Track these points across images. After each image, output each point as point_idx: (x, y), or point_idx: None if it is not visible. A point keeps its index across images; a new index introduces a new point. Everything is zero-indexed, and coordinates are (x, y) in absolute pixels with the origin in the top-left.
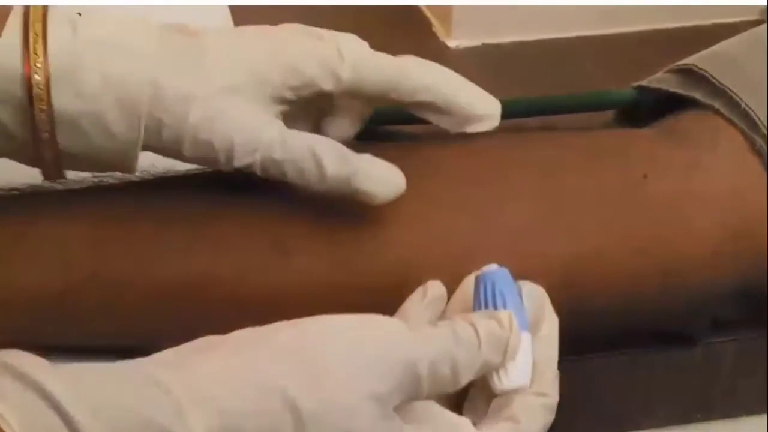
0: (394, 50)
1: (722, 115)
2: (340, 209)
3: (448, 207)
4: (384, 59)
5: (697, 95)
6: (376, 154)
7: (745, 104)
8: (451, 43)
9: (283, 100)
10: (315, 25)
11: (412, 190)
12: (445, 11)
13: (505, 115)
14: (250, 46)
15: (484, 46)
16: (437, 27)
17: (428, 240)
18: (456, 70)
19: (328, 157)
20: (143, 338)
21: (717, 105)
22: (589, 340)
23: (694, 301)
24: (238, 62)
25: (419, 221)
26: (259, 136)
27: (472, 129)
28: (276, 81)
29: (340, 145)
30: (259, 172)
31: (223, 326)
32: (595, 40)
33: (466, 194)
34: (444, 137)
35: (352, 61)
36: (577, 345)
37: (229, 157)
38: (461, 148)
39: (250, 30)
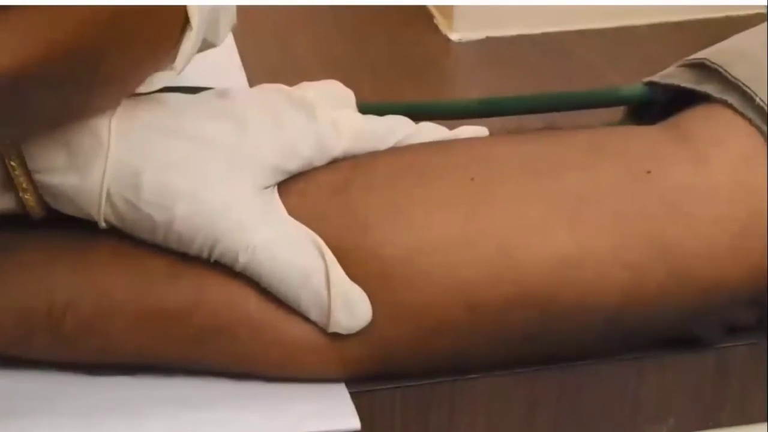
0: (397, 44)
1: (735, 110)
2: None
3: (440, 205)
4: (374, 124)
5: (710, 90)
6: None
7: (760, 99)
8: (454, 37)
9: (275, 178)
10: (317, 21)
11: (404, 190)
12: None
13: (507, 113)
14: (250, 125)
15: (488, 39)
16: (439, 20)
17: (418, 240)
18: (458, 65)
19: (308, 297)
20: (132, 359)
21: (730, 100)
22: (594, 344)
23: (702, 302)
24: (237, 145)
25: (409, 221)
26: (249, 236)
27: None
28: (274, 164)
29: (334, 268)
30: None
31: (212, 352)
32: (603, 33)
33: (460, 192)
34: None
35: (349, 134)
36: (581, 349)
37: (210, 256)
38: (456, 145)
39: (249, 105)
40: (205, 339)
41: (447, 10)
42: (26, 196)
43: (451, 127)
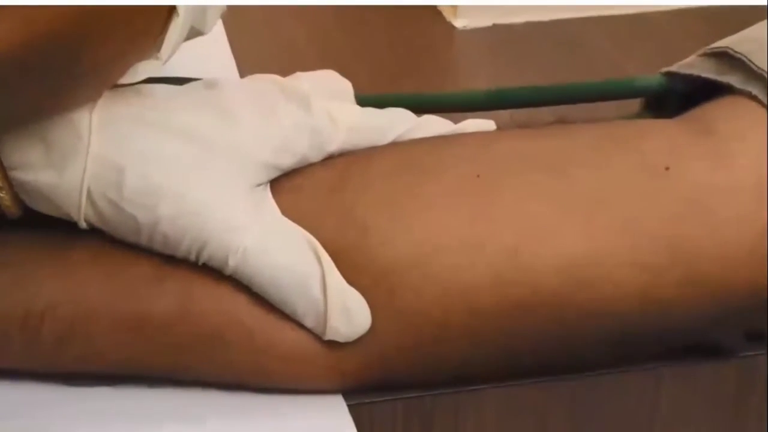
0: (397, 31)
1: (760, 102)
2: None
3: (444, 204)
4: (373, 118)
5: (733, 81)
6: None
7: None
8: (458, 24)
9: (267, 176)
10: (312, 7)
11: (405, 187)
12: None
13: (516, 105)
14: (240, 119)
15: (495, 26)
16: (442, 6)
17: (420, 241)
18: (463, 53)
19: (303, 303)
20: (114, 369)
21: (755, 91)
22: (608, 352)
23: (723, 307)
24: (226, 140)
25: (410, 220)
26: (239, 238)
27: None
28: (265, 160)
29: (331, 272)
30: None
31: (200, 361)
32: (618, 20)
33: (465, 189)
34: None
35: (346, 128)
36: (595, 358)
37: (198, 259)
38: (460, 140)
39: (239, 97)
40: (192, 347)
41: None
42: (1, 194)
43: (455, 121)
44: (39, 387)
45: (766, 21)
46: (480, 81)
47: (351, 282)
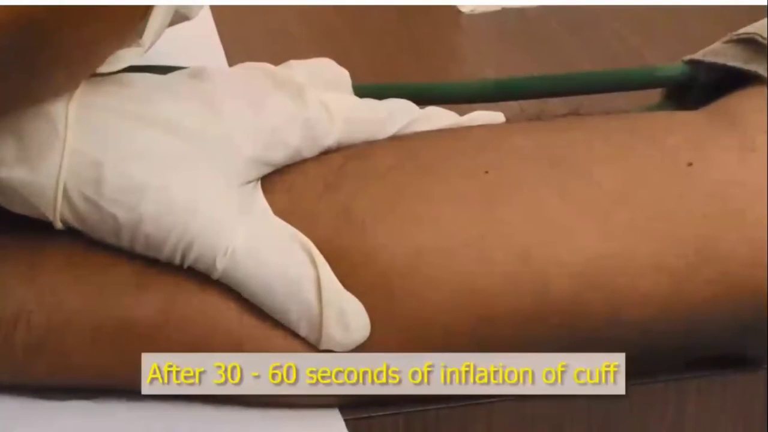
0: (399, 16)
1: None
2: None
3: (449, 202)
4: (372, 109)
5: (761, 70)
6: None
7: None
8: (465, 7)
9: (257, 172)
10: None
11: (406, 184)
12: None
13: (527, 95)
14: (226, 110)
15: (504, 10)
16: None
17: (423, 242)
18: (470, 40)
19: (296, 309)
20: (92, 381)
21: None
22: (627, 363)
23: (753, 314)
24: (212, 133)
25: (412, 220)
26: (227, 238)
27: None
28: (254, 155)
29: (326, 275)
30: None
31: None
32: (636, 4)
33: (472, 187)
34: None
35: (343, 120)
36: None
37: (184, 261)
38: (467, 133)
39: (226, 87)
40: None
41: None
42: None
43: (461, 112)
44: (5, 400)
45: None
46: (488, 69)
47: (348, 286)
